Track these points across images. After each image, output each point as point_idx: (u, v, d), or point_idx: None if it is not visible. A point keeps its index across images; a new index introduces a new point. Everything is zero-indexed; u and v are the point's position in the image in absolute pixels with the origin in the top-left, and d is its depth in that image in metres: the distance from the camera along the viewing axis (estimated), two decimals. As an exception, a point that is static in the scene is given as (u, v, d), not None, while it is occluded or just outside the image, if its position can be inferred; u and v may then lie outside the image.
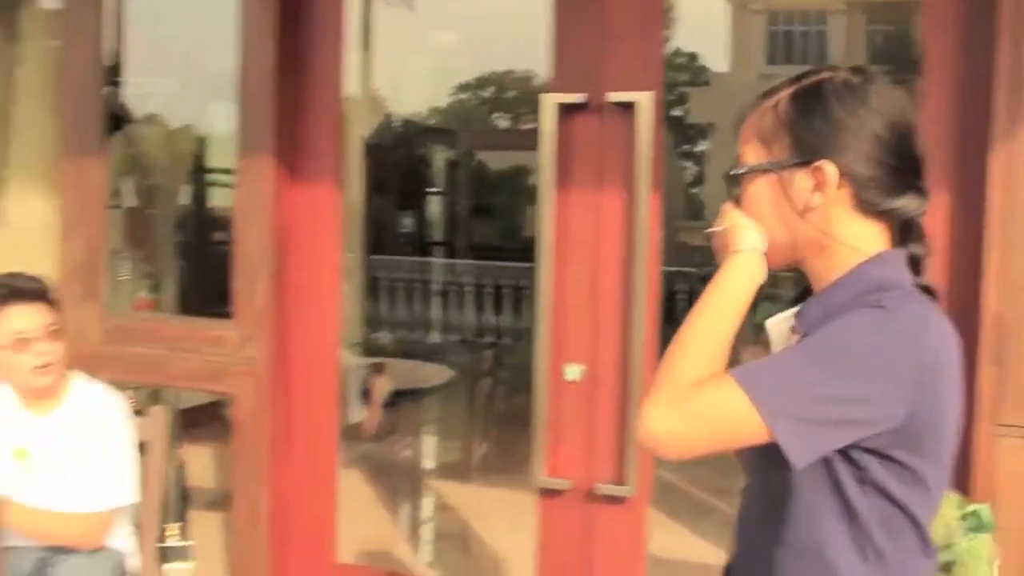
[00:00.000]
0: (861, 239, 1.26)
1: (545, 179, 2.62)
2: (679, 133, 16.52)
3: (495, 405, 4.72)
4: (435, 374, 5.04)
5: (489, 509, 4.44)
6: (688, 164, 17.52)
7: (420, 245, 9.44)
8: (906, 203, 1.25)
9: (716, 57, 14.80)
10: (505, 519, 4.31)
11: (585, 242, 2.67)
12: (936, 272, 2.35)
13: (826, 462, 1.20)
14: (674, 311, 8.76)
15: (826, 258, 1.28)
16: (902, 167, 1.25)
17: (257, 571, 2.93)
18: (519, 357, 7.27)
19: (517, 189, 12.21)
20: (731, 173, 1.32)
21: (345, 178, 6.23)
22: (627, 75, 2.58)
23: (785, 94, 1.28)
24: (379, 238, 8.44)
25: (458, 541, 4.16)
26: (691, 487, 4.64)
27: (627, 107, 2.55)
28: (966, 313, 2.34)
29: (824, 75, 1.28)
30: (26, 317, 2.41)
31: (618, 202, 2.62)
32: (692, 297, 8.30)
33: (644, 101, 2.51)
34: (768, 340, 1.37)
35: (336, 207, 2.95)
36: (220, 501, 3.39)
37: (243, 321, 2.89)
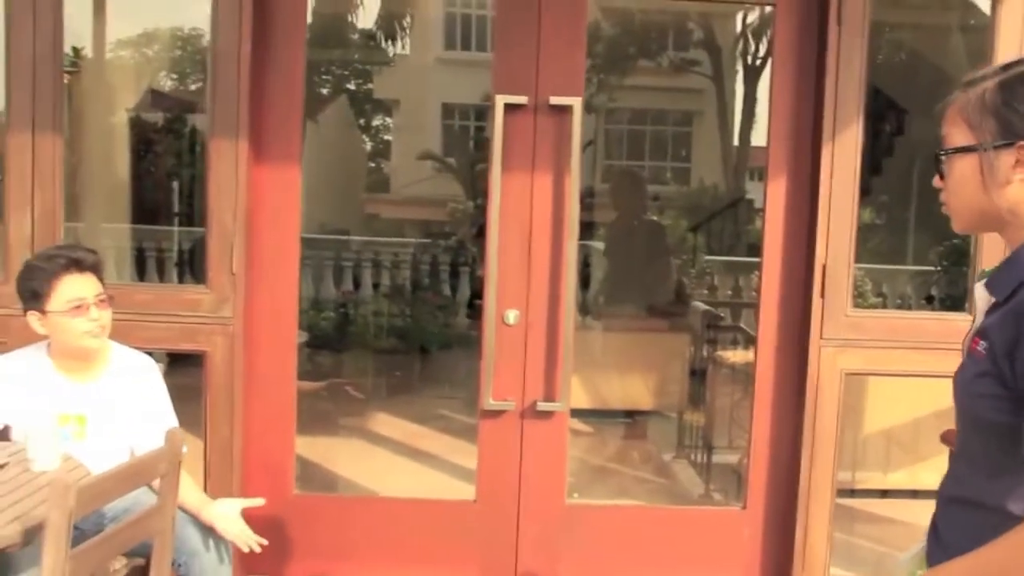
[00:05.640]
0: None
1: (495, 166, 3.29)
2: (365, 108, 17.19)
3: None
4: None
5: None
6: (372, 139, 18.27)
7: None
8: None
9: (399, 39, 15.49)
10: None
11: (520, 215, 3.37)
12: (776, 232, 3.38)
13: None
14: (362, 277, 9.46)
15: (1017, 227, 1.42)
16: None
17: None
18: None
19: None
20: (939, 153, 1.47)
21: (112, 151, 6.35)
22: (557, 82, 3.31)
23: (992, 82, 1.42)
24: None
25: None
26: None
27: (558, 109, 3.29)
28: (801, 261, 3.37)
29: None
30: (83, 285, 2.65)
31: (548, 184, 3.36)
32: (378, 265, 8.77)
33: (577, 105, 3.26)
34: (975, 302, 1.53)
35: (297, 184, 3.39)
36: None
37: (217, 285, 3.26)
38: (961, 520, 1.43)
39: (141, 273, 7.84)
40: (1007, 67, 1.43)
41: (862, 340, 3.34)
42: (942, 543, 1.45)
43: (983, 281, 1.46)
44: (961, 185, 1.45)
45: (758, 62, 13.60)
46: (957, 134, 1.45)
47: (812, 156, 3.34)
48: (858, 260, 3.41)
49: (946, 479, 1.51)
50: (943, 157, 1.47)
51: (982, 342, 1.40)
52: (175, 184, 9.32)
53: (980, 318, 1.46)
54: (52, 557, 1.90)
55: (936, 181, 1.50)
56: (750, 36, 13.73)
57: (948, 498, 1.49)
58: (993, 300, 1.43)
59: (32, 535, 2.02)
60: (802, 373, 3.36)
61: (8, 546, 2.04)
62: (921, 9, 7.39)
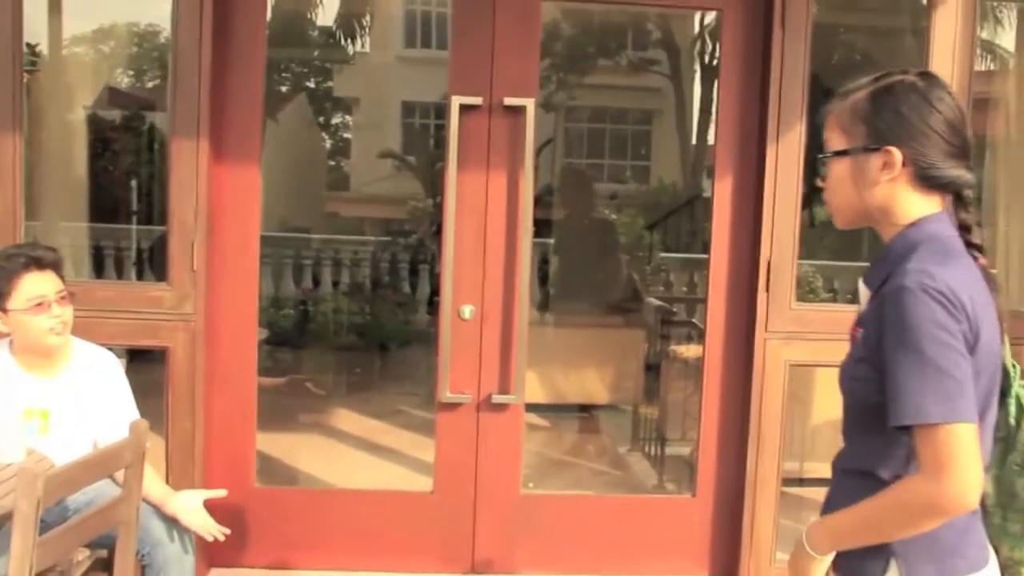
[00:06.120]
0: (917, 208, 1.54)
1: (451, 165, 3.37)
2: (325, 107, 17.19)
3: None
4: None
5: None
6: (332, 137, 18.26)
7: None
8: (958, 175, 1.54)
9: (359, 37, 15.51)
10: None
11: (476, 213, 3.46)
12: (724, 230, 3.50)
13: None
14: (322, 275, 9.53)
15: (887, 224, 1.58)
16: (954, 152, 1.53)
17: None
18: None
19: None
20: (820, 157, 1.63)
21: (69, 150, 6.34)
22: (512, 83, 3.41)
23: (864, 93, 1.57)
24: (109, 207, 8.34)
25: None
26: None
27: (512, 109, 3.39)
28: (748, 257, 3.50)
29: (896, 78, 1.56)
30: (44, 283, 2.69)
31: (503, 183, 3.45)
32: (338, 263, 8.82)
33: (530, 106, 3.36)
34: (859, 295, 1.66)
35: (257, 182, 3.45)
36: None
37: (179, 282, 3.31)
38: (847, 487, 1.60)
39: (99, 271, 7.82)
40: (878, 79, 1.58)
41: (806, 333, 3.47)
42: (831, 506, 1.62)
43: (864, 277, 1.62)
44: (839, 185, 1.61)
45: (715, 62, 13.74)
46: (835, 139, 1.61)
47: (758, 157, 3.47)
48: (812, 256, 3.53)
49: (838, 454, 1.67)
50: (823, 160, 1.63)
51: (860, 330, 1.56)
52: (133, 182, 9.28)
53: (863, 309, 1.61)
54: (20, 545, 1.96)
55: (819, 182, 1.66)
56: (707, 36, 13.90)
57: (838, 469, 1.66)
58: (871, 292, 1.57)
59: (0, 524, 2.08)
60: (748, 365, 3.48)
61: (-24, 536, 2.09)
62: (874, 12, 7.58)
